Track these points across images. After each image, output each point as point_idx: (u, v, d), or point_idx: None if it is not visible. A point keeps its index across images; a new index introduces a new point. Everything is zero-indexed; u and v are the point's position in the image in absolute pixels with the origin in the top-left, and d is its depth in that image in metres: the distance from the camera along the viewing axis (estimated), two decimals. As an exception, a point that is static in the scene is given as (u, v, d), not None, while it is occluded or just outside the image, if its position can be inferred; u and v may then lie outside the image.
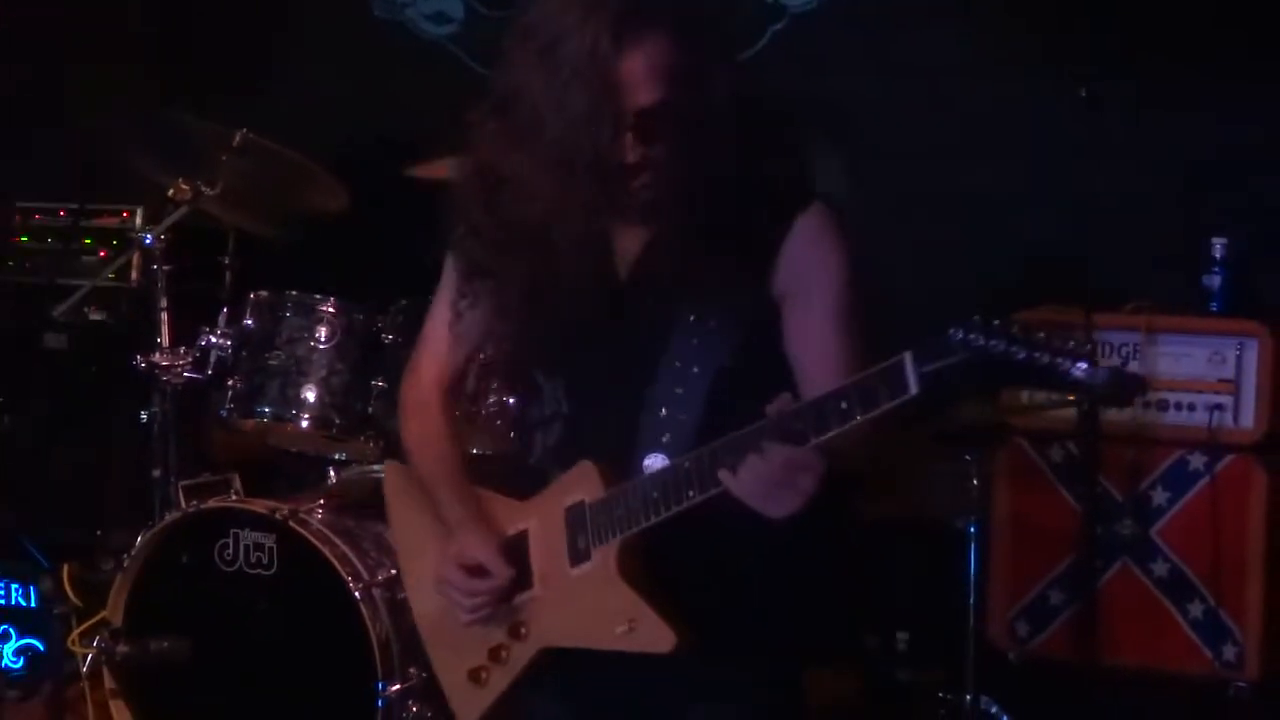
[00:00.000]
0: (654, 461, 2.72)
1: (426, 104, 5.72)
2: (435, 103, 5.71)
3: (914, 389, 2.37)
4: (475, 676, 2.90)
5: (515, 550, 2.84)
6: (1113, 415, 4.62)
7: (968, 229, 5.22)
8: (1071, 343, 2.32)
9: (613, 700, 2.82)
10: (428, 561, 2.98)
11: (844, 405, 2.44)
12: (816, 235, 2.74)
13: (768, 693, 2.82)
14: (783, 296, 2.74)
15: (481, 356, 3.04)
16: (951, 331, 2.34)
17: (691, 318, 2.73)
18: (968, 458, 4.58)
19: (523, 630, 2.83)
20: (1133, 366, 4.70)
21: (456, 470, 2.98)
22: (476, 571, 2.84)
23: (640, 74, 2.62)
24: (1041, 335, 2.32)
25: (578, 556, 2.75)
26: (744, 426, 2.54)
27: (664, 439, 2.72)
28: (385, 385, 4.53)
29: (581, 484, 2.76)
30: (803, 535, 2.60)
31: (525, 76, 2.66)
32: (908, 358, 2.37)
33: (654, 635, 2.65)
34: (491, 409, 4.31)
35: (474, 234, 2.80)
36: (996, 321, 2.32)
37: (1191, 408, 4.67)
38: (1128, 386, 2.40)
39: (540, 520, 2.82)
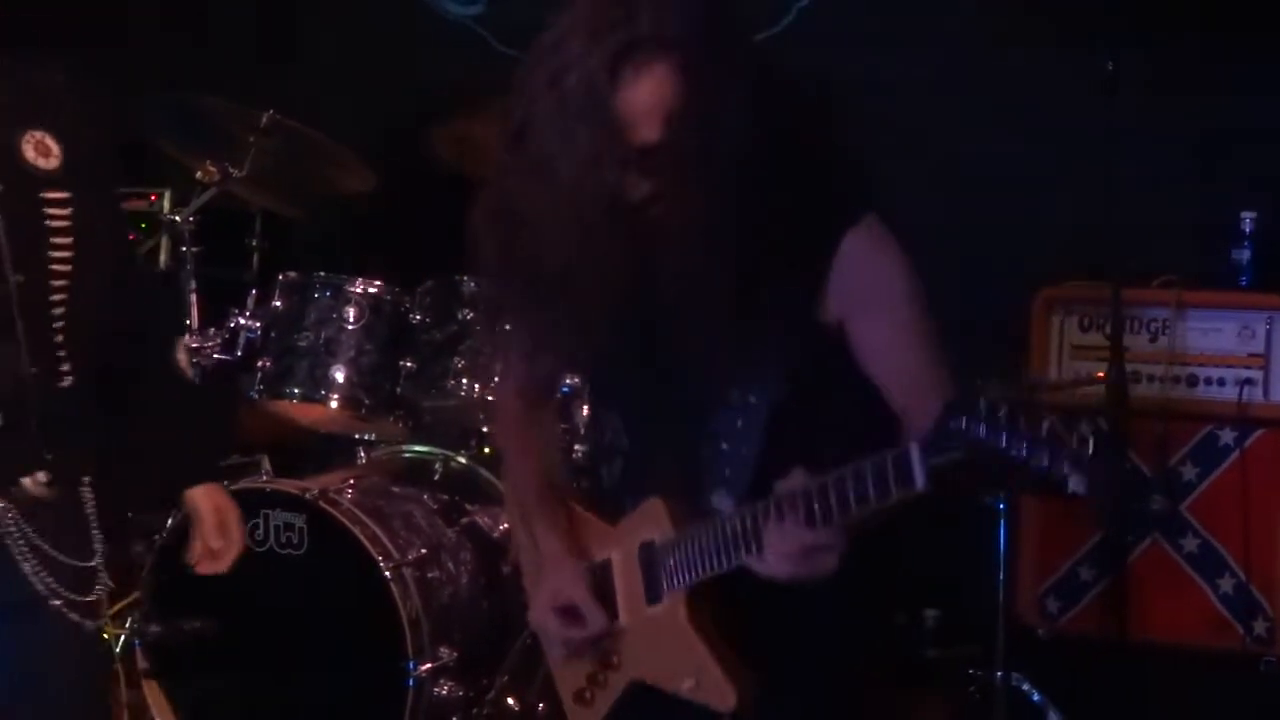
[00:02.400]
0: (721, 500, 2.67)
1: (453, 85, 5.76)
2: (461, 84, 5.80)
3: (920, 483, 2.27)
4: (580, 697, 2.92)
5: (601, 578, 2.83)
6: (1142, 390, 4.62)
7: (994, 208, 5.20)
8: (1076, 436, 2.15)
9: None
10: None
11: (856, 490, 2.35)
12: (868, 251, 2.61)
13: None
14: (843, 319, 2.62)
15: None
16: (952, 422, 2.21)
17: (740, 348, 2.61)
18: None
19: (614, 659, 2.84)
20: (1163, 342, 4.70)
21: (545, 495, 2.93)
22: (570, 614, 2.82)
23: (639, 111, 2.50)
24: (1046, 427, 2.14)
25: (652, 596, 2.74)
26: (804, 458, 2.48)
27: (726, 473, 2.67)
28: (414, 365, 4.54)
29: (651, 522, 2.74)
30: (861, 576, 2.55)
31: (536, 107, 2.56)
32: (914, 450, 2.27)
33: (718, 692, 2.65)
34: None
35: (494, 275, 2.73)
36: (1003, 411, 2.16)
37: (1221, 382, 4.66)
38: (1132, 493, 2.28)
39: (621, 552, 2.81)
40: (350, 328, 4.55)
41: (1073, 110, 4.94)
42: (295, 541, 4.26)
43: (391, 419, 4.64)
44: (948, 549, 4.84)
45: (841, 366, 2.65)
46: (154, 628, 3.98)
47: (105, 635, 3.17)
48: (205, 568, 3.25)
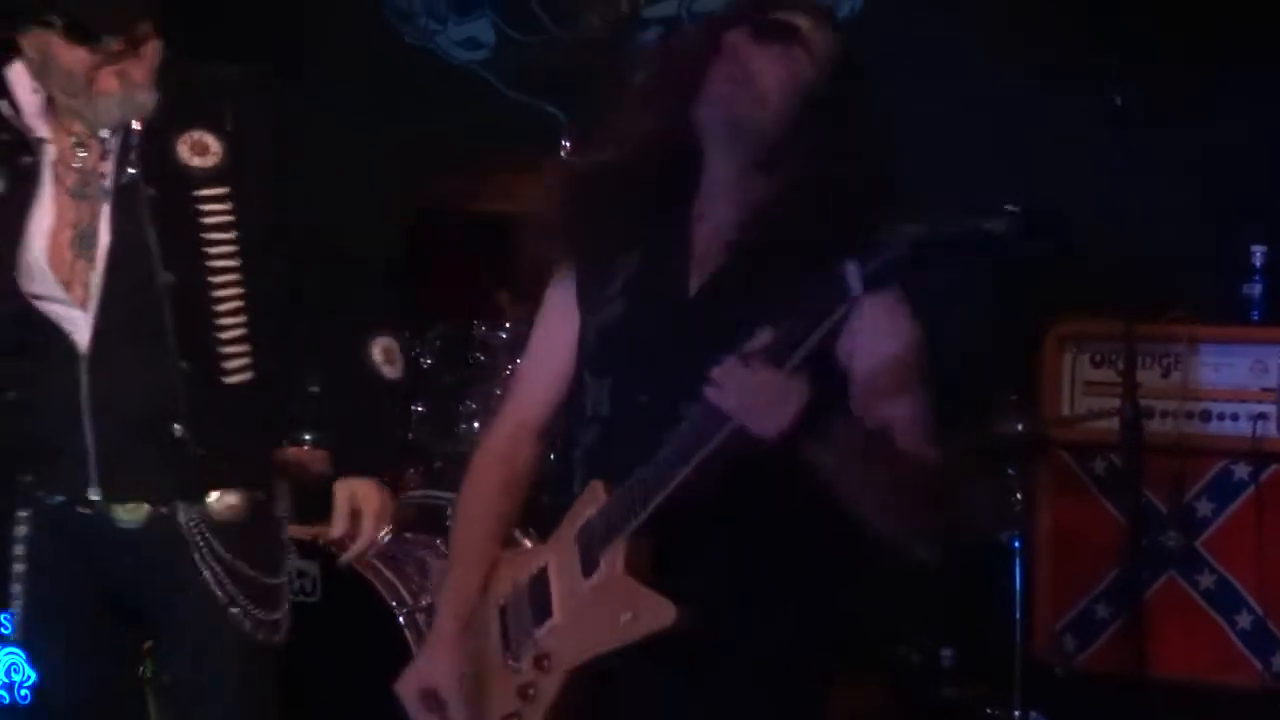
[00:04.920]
0: None
1: (459, 130, 5.77)
2: (468, 128, 5.80)
3: (856, 290, 2.39)
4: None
5: (537, 587, 2.81)
6: (1155, 426, 4.61)
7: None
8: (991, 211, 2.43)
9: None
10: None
11: (806, 318, 2.45)
12: (887, 316, 2.66)
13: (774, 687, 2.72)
14: (849, 354, 2.67)
15: None
16: (884, 233, 2.41)
17: (740, 338, 2.56)
18: (1010, 472, 4.56)
19: (546, 662, 2.78)
20: (1175, 377, 4.69)
21: (480, 542, 2.92)
22: (433, 701, 2.85)
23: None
24: (968, 214, 2.43)
25: (589, 568, 2.70)
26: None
27: None
28: (425, 410, 4.54)
29: (590, 503, 2.72)
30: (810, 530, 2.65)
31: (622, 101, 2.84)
32: (850, 265, 2.40)
33: (655, 613, 2.59)
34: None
35: (547, 222, 2.83)
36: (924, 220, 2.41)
37: (1235, 417, 4.65)
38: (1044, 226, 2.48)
39: (557, 551, 2.78)
40: (361, 373, 4.54)
41: (1082, 144, 4.94)
42: (309, 589, 4.24)
43: (403, 464, 4.63)
44: (964, 587, 4.84)
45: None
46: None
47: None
48: (342, 559, 3.37)
